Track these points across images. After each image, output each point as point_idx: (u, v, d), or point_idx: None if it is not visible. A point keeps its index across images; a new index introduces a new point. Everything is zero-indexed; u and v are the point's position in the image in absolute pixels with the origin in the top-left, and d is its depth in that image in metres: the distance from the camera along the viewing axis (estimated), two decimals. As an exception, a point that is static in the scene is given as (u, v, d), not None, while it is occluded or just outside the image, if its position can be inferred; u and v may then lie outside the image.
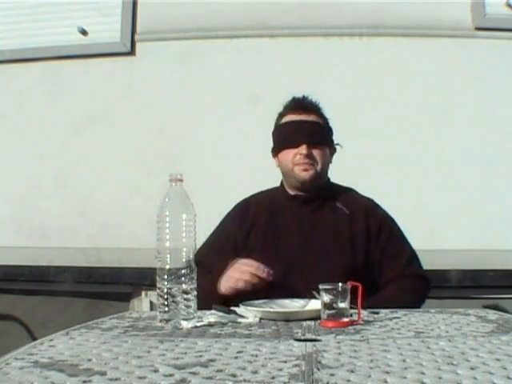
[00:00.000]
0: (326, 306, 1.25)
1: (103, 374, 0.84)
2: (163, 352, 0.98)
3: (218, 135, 2.91)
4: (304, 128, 1.75)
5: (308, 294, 1.44)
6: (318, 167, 1.76)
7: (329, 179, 1.85)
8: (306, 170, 1.74)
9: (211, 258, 1.72)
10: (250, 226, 1.79)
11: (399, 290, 1.70)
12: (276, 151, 1.82)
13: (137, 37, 3.01)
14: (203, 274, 1.57)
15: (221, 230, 1.84)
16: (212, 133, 2.91)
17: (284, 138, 1.78)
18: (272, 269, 1.65)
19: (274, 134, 1.83)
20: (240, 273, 1.54)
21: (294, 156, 1.74)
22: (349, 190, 1.86)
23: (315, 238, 1.73)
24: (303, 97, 1.81)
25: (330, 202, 1.79)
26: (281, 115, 1.82)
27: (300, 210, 1.77)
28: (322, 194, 1.79)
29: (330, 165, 1.84)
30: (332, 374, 0.82)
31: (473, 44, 2.84)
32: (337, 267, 1.66)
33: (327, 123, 1.82)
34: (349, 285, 1.27)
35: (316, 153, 1.74)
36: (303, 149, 1.72)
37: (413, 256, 1.78)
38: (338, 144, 1.84)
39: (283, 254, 1.70)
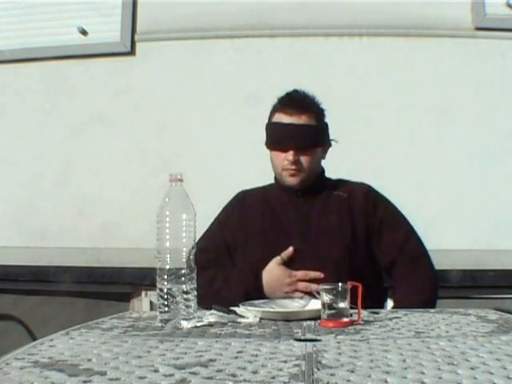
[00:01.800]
0: (326, 305, 1.25)
1: (103, 374, 0.84)
2: (163, 352, 0.98)
3: (218, 135, 2.91)
4: (292, 133, 1.72)
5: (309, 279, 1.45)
6: (306, 172, 1.74)
7: (324, 173, 1.85)
8: (292, 175, 1.73)
9: (213, 247, 1.77)
10: (248, 217, 1.80)
11: (410, 291, 1.71)
12: (268, 148, 1.81)
13: (137, 37, 3.01)
14: (215, 275, 1.63)
15: (221, 221, 1.85)
16: (212, 133, 2.91)
17: (273, 139, 1.77)
18: (272, 257, 1.68)
19: (266, 128, 1.81)
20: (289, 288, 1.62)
21: (282, 160, 1.73)
22: (342, 179, 1.87)
23: (313, 224, 1.74)
24: (296, 93, 1.78)
25: (326, 191, 1.80)
26: (273, 110, 1.80)
27: (296, 199, 1.78)
28: (316, 184, 1.79)
29: (330, 163, 1.83)
30: (332, 374, 0.82)
31: (473, 44, 2.84)
32: (336, 251, 1.68)
33: (321, 119, 1.79)
34: (349, 285, 1.27)
35: (304, 158, 1.72)
36: (290, 155, 1.70)
37: (411, 229, 1.79)
38: (332, 139, 1.82)
39: (283, 242, 1.71)
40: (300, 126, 1.73)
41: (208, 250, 1.73)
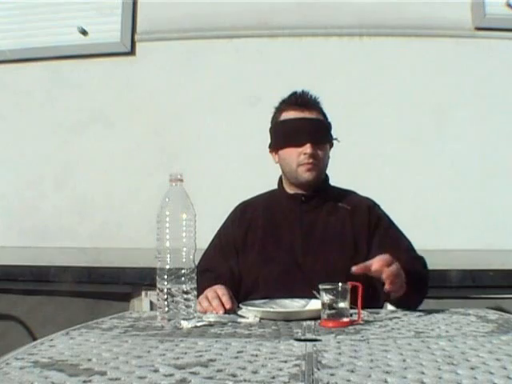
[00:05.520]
0: (326, 305, 1.25)
1: (103, 373, 0.84)
2: (163, 352, 0.98)
3: (218, 135, 2.91)
4: (308, 126, 1.71)
5: (310, 290, 1.41)
6: (321, 166, 1.74)
7: (328, 180, 1.84)
8: (309, 170, 1.71)
9: (215, 264, 1.73)
10: (248, 226, 1.78)
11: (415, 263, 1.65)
12: (276, 148, 1.78)
13: (137, 37, 3.01)
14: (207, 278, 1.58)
15: (221, 234, 1.83)
16: (212, 133, 2.92)
17: (287, 135, 1.73)
18: (272, 266, 1.66)
19: (272, 129, 1.79)
20: (207, 302, 1.47)
21: (298, 156, 1.70)
22: (348, 191, 1.85)
23: (316, 234, 1.72)
24: (303, 92, 1.78)
25: (331, 202, 1.78)
26: (279, 110, 1.78)
27: (300, 208, 1.77)
28: (320, 192, 1.78)
29: (330, 163, 1.83)
30: (332, 374, 0.82)
31: (473, 44, 2.85)
32: (339, 263, 1.65)
33: (327, 119, 1.80)
34: (349, 285, 1.27)
35: (320, 152, 1.71)
36: (308, 148, 1.68)
37: (412, 246, 1.75)
38: (335, 139, 1.82)
39: (284, 251, 1.70)
40: (314, 119, 1.72)
41: (210, 270, 1.70)
